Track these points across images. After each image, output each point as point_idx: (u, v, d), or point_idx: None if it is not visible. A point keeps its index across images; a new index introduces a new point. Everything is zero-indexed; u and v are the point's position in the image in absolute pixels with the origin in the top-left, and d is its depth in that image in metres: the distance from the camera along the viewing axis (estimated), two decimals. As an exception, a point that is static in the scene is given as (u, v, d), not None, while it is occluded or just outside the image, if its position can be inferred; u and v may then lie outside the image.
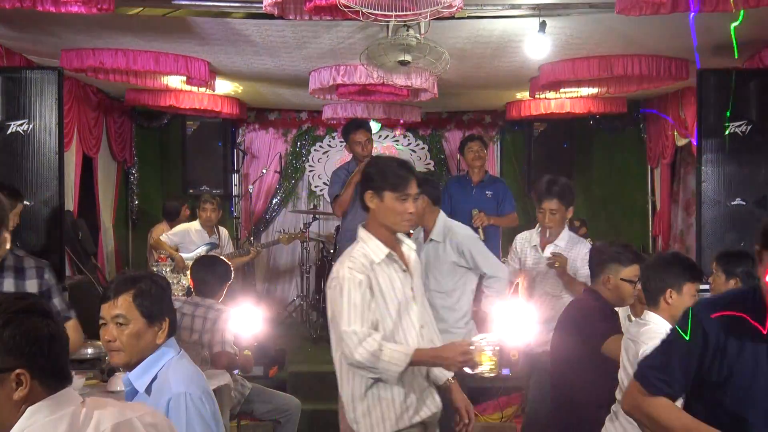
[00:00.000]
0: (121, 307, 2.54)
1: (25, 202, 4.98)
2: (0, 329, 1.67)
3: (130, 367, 2.56)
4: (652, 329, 3.02)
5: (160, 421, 1.86)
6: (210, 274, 4.43)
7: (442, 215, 4.39)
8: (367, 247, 2.92)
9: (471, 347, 2.77)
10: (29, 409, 1.68)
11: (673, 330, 2.25)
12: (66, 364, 1.77)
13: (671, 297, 3.03)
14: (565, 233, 4.44)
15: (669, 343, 2.25)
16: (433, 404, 3.03)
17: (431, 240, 4.34)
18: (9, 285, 3.24)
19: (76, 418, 1.70)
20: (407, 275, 3.00)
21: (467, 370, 2.84)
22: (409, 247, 3.08)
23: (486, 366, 2.76)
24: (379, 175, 2.94)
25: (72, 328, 3.25)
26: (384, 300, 2.88)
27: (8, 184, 4.68)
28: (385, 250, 2.93)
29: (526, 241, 4.64)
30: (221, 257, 4.89)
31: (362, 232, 2.98)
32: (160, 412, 1.91)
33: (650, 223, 8.29)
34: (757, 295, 2.05)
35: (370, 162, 3.08)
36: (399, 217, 2.93)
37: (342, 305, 2.82)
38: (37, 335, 1.70)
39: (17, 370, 1.67)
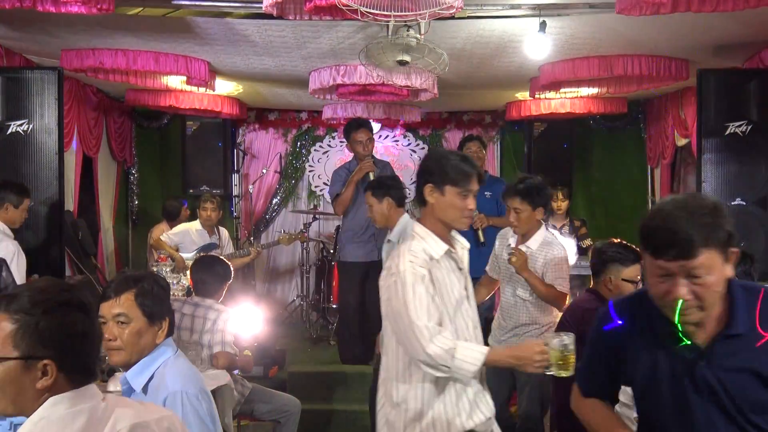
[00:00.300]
0: (123, 305, 2.55)
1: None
2: (38, 317, 1.68)
3: (128, 366, 2.57)
4: None
5: (176, 426, 1.87)
6: (209, 274, 4.43)
7: (405, 217, 4.51)
8: (425, 242, 2.81)
9: (546, 346, 2.71)
10: (51, 399, 1.70)
11: (590, 331, 2.24)
12: (94, 362, 1.78)
13: None
14: (540, 235, 4.27)
15: (588, 345, 2.24)
16: (487, 409, 2.89)
17: (388, 241, 4.48)
18: None
19: (94, 414, 1.71)
20: (462, 273, 2.90)
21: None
22: (462, 245, 2.98)
23: (560, 365, 2.71)
24: (440, 169, 2.82)
25: None
26: (442, 298, 2.78)
27: (15, 181, 4.72)
28: (444, 246, 2.83)
29: (504, 238, 4.51)
30: (221, 257, 4.90)
31: (418, 228, 2.86)
32: (178, 417, 1.90)
33: (650, 223, 8.28)
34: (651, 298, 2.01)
35: (429, 155, 2.98)
36: (459, 213, 2.83)
37: (406, 300, 2.68)
38: (72, 331, 1.71)
39: (45, 361, 1.68)
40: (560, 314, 4.08)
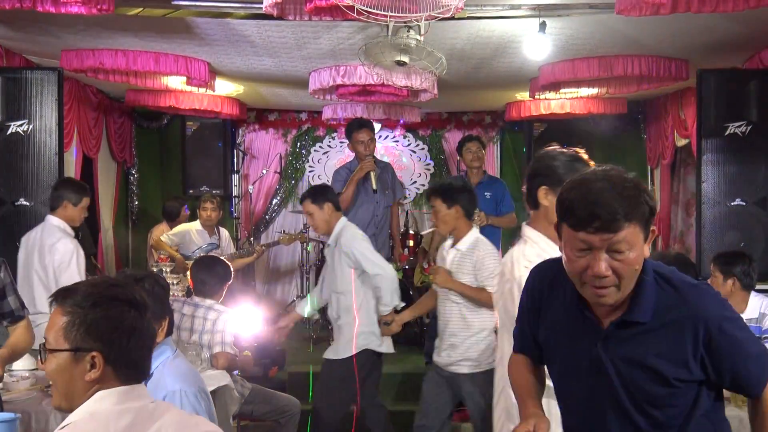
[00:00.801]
0: None
1: (24, 203, 5.00)
2: (88, 309, 1.72)
3: None
4: None
5: None
6: (209, 274, 4.43)
7: (342, 221, 4.64)
8: (539, 247, 2.71)
9: None
10: (100, 392, 1.72)
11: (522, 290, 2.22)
12: (144, 359, 1.80)
13: None
14: (471, 236, 4.26)
15: (519, 303, 2.21)
16: None
17: (328, 245, 4.64)
18: None
19: (141, 415, 1.72)
20: None
21: None
22: None
23: None
24: (554, 170, 2.71)
25: (24, 327, 3.22)
26: None
27: (74, 179, 4.77)
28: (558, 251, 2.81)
29: (443, 249, 4.48)
30: (221, 257, 4.89)
31: (530, 232, 2.76)
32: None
33: (650, 223, 8.27)
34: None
35: (540, 156, 2.88)
36: None
37: None
38: (120, 324, 1.74)
39: (93, 353, 1.71)
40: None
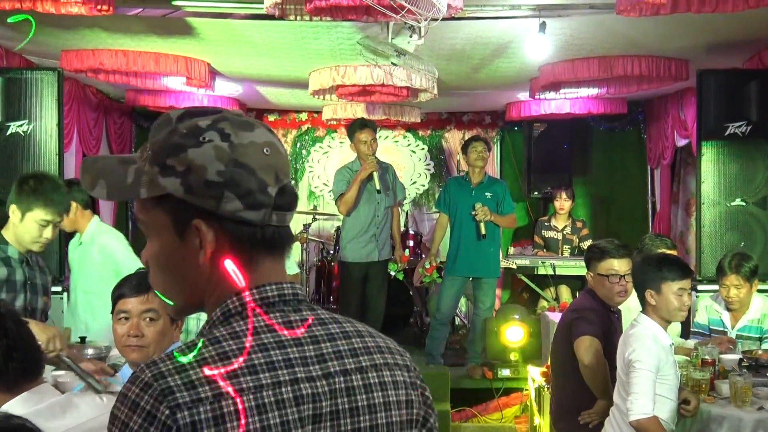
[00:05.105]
0: (153, 302, 2.57)
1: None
2: None
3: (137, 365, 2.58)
4: (638, 332, 3.05)
5: None
6: None
7: (95, 219, 4.57)
8: None
9: None
10: (5, 405, 1.77)
11: None
12: (15, 359, 1.82)
13: (652, 298, 3.07)
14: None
15: None
16: None
17: (81, 243, 4.52)
18: None
19: (53, 409, 1.77)
20: None
21: None
22: None
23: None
24: None
25: None
26: None
27: None
28: None
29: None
30: None
31: None
32: None
33: (650, 223, 8.28)
34: None
35: None
36: None
37: None
38: None
39: None
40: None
